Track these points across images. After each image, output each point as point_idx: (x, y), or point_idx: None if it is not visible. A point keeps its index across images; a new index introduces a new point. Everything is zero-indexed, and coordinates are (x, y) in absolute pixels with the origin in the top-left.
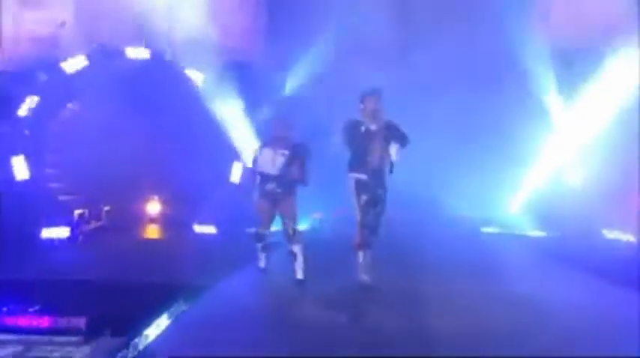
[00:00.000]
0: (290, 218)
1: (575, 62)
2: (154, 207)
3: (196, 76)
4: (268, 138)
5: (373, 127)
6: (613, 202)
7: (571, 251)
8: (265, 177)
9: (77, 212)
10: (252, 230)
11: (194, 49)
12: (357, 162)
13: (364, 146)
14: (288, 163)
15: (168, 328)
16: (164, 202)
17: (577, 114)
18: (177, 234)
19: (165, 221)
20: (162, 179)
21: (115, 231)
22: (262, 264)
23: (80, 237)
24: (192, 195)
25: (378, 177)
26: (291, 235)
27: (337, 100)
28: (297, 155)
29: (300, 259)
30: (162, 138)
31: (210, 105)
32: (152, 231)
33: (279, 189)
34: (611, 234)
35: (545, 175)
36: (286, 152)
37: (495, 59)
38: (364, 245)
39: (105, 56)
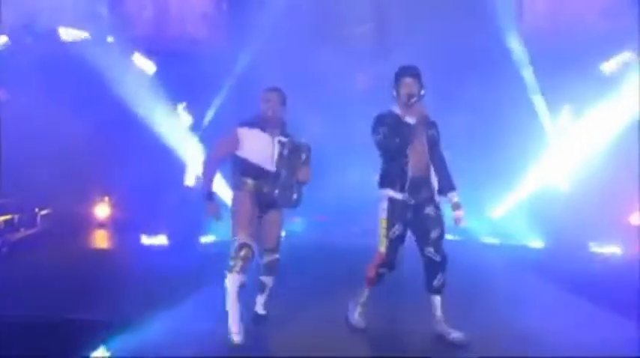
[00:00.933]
0: (275, 236)
1: (564, 68)
2: (103, 210)
3: (146, 64)
4: (253, 117)
5: (411, 121)
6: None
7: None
8: (257, 172)
9: (1, 218)
10: (235, 239)
11: (144, 34)
12: (392, 171)
13: (401, 147)
14: (289, 157)
15: None
16: (114, 205)
17: (568, 123)
18: (125, 244)
19: (114, 226)
20: (109, 179)
21: (51, 239)
22: (236, 286)
23: (3, 249)
24: (142, 199)
25: (422, 190)
26: (268, 261)
27: (301, 89)
28: (302, 147)
29: (267, 292)
30: (105, 133)
31: (161, 98)
32: (98, 239)
33: (277, 192)
34: (597, 248)
35: (534, 183)
36: (285, 140)
37: (481, 59)
38: (376, 282)
39: (33, 36)
